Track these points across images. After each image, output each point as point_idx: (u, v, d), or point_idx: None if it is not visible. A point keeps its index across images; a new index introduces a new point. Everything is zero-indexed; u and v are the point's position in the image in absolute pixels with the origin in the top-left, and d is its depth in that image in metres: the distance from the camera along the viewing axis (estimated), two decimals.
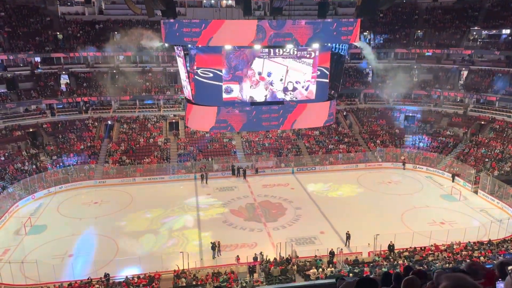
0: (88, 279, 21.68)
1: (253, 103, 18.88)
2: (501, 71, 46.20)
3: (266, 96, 19.03)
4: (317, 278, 21.70)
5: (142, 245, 26.68)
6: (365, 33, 50.34)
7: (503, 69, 46.08)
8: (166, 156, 40.90)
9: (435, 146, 43.06)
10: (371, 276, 5.36)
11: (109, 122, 43.72)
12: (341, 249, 24.43)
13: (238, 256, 24.07)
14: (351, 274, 20.84)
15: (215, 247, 25.21)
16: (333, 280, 5.67)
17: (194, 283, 21.43)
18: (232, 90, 18.48)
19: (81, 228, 29.22)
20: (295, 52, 18.49)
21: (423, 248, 24.64)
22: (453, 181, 37.36)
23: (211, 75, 18.02)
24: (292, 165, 40.88)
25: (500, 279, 3.78)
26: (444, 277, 3.32)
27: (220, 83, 18.17)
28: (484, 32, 48.99)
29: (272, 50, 18.16)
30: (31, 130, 40.93)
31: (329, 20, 18.67)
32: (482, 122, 44.13)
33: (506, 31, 47.67)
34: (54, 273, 22.01)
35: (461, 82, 49.04)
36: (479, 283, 3.15)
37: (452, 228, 27.73)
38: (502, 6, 49.00)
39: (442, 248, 24.67)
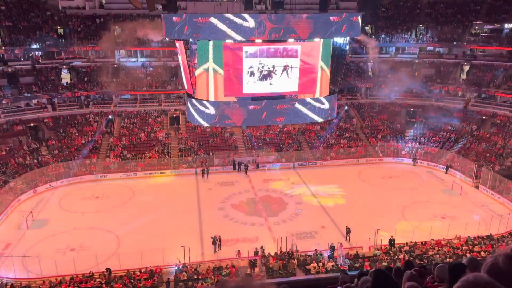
0: (89, 273, 21.78)
1: (254, 98, 18.77)
2: (503, 66, 46.01)
3: (267, 90, 18.92)
4: (318, 273, 21.79)
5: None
6: (366, 28, 50.08)
7: (505, 63, 45.88)
8: (167, 150, 40.92)
9: (436, 141, 43.01)
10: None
11: (110, 117, 43.72)
12: (341, 243, 24.51)
13: (239, 250, 24.17)
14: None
15: (216, 242, 25.30)
16: (334, 274, 5.69)
17: (195, 277, 21.53)
18: (233, 84, 18.39)
19: (83, 222, 29.33)
20: (295, 46, 18.36)
21: (423, 242, 24.70)
22: (446, 173, 37.84)
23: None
24: (293, 160, 40.90)
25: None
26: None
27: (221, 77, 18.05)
28: (487, 27, 48.71)
29: (271, 43, 18.03)
30: (32, 124, 40.91)
31: (330, 14, 18.52)
32: (484, 117, 44.04)
33: (508, 26, 47.39)
34: (56, 267, 22.11)
35: (463, 77, 48.86)
36: None
37: (453, 222, 27.78)
38: (504, 0, 48.68)
39: (443, 242, 24.71)
